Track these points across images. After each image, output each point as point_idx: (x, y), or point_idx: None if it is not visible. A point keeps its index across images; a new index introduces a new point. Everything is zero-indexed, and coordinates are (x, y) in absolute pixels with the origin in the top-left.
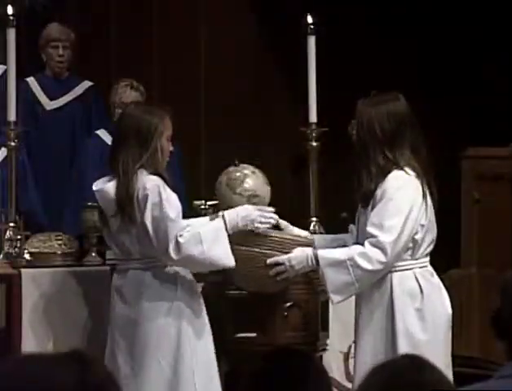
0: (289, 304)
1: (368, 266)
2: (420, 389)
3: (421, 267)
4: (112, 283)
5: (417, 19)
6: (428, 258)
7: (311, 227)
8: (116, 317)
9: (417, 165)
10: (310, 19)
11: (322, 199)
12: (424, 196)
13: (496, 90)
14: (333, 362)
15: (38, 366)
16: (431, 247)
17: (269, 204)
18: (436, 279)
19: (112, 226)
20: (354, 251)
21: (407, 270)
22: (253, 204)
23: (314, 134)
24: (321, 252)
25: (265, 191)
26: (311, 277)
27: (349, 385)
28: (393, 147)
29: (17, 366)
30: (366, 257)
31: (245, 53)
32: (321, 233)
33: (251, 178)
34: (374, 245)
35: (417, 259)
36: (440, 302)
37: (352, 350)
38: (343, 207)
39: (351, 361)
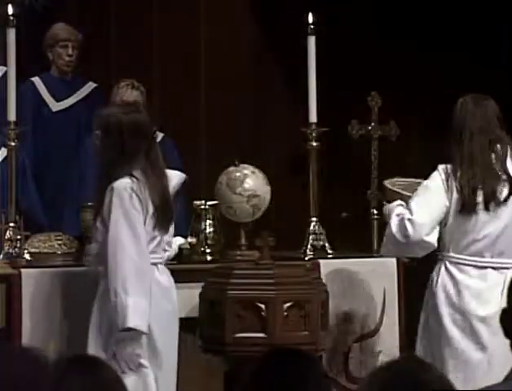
0: (289, 304)
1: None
2: (420, 389)
3: None
4: None
5: (417, 20)
6: None
7: (311, 227)
8: None
9: None
10: (310, 19)
11: (322, 198)
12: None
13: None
14: (333, 362)
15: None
16: None
17: (269, 204)
18: None
19: None
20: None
21: None
22: (253, 203)
23: (314, 134)
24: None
25: (265, 190)
26: (311, 277)
27: (350, 386)
28: None
29: (31, 369)
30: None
31: (245, 53)
32: (321, 233)
33: (251, 178)
34: None
35: None
36: None
37: (353, 350)
38: (343, 207)
39: (352, 361)
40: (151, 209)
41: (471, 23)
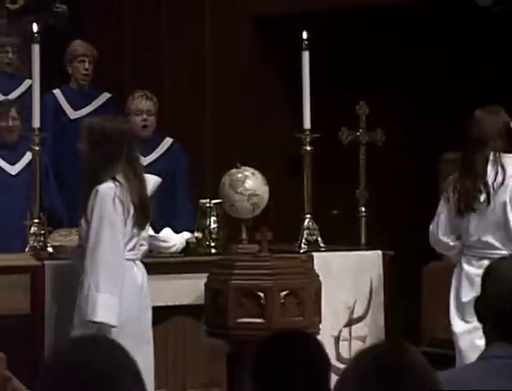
0: (285, 292)
1: None
2: (398, 370)
3: None
4: None
5: (403, 39)
6: None
7: (305, 223)
8: None
9: None
10: (304, 36)
11: (315, 197)
12: None
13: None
14: (326, 344)
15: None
16: None
17: (267, 202)
18: None
19: None
20: None
21: None
22: (253, 202)
23: (307, 140)
24: None
25: (263, 190)
26: (306, 267)
27: (340, 366)
28: None
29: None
30: None
31: (248, 67)
32: (314, 229)
33: (251, 179)
34: None
35: None
36: None
37: (342, 334)
38: (334, 205)
39: (342, 344)
40: (131, 211)
41: (454, 36)
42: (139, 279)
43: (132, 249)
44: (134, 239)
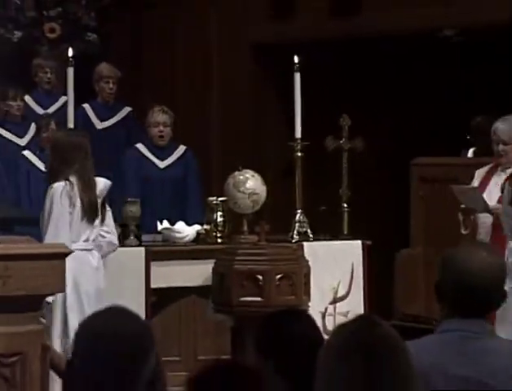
0: (280, 275)
1: None
2: (374, 341)
3: None
4: None
5: (379, 65)
6: None
7: (297, 217)
8: None
9: None
10: (296, 60)
11: (305, 195)
12: None
13: (440, 118)
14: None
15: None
16: None
17: (265, 200)
18: None
19: None
20: None
21: None
22: (253, 199)
23: (299, 147)
24: None
25: (262, 189)
26: (297, 255)
27: (326, 337)
28: None
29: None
30: None
31: (248, 86)
32: (304, 222)
33: (251, 180)
34: None
35: None
36: None
37: (328, 310)
38: (321, 202)
39: (328, 318)
40: (78, 205)
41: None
42: (93, 265)
43: (86, 240)
44: (87, 232)
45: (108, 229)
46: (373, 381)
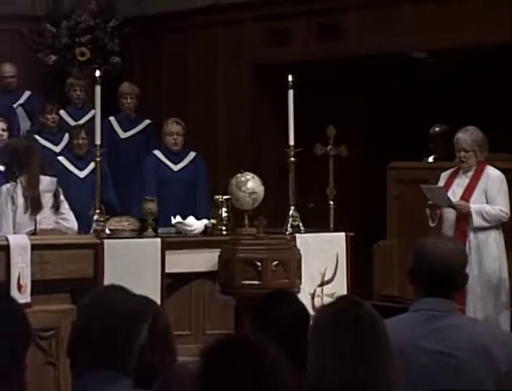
0: (276, 262)
1: None
2: (360, 316)
3: None
4: None
5: (360, 81)
6: None
7: (290, 212)
8: None
9: None
10: (290, 78)
11: (297, 194)
12: None
13: (410, 129)
14: (304, 300)
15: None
16: None
17: (263, 198)
18: None
19: None
20: None
21: None
22: (253, 197)
23: (292, 153)
24: None
25: (261, 189)
26: (290, 244)
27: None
28: None
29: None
30: None
31: (248, 101)
32: (296, 217)
33: (251, 181)
34: None
35: None
36: None
37: (316, 292)
38: (311, 199)
39: (316, 299)
40: (21, 202)
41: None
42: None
43: (30, 231)
44: (31, 224)
45: (63, 216)
46: (361, 346)
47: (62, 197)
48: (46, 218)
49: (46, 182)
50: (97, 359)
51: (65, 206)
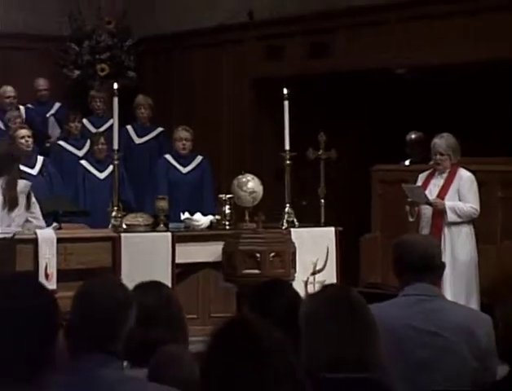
0: (273, 254)
1: None
2: (353, 297)
3: None
4: None
5: (348, 94)
6: None
7: (286, 209)
8: None
9: None
10: (285, 91)
11: (292, 193)
12: None
13: (390, 136)
14: (298, 287)
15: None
16: None
17: (262, 196)
18: None
19: None
20: None
21: None
22: (253, 196)
23: (288, 156)
24: None
25: (260, 189)
26: (286, 238)
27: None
28: None
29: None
30: None
31: (249, 110)
32: (291, 213)
33: (252, 182)
34: None
35: None
36: None
37: (310, 279)
38: (304, 198)
39: (309, 286)
40: (0, 200)
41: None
42: None
43: (8, 226)
44: (9, 220)
45: (34, 215)
46: (350, 327)
47: (33, 199)
48: (19, 216)
49: (22, 184)
50: (90, 343)
51: (36, 207)
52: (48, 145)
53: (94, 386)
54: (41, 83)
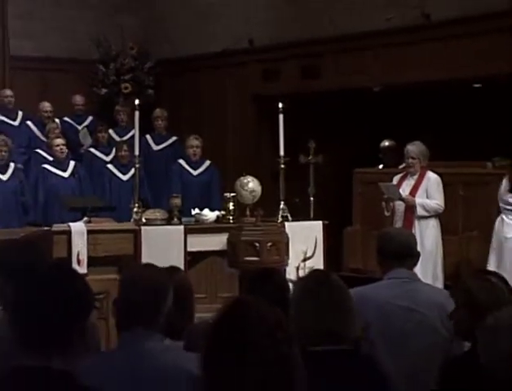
0: (270, 243)
1: None
2: (331, 279)
3: None
4: None
5: (333, 109)
6: None
7: (281, 206)
8: None
9: None
10: (280, 105)
11: (286, 192)
12: None
13: (368, 144)
14: (291, 272)
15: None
16: None
17: (261, 195)
18: None
19: None
20: None
21: None
22: (253, 195)
23: (282, 161)
24: None
25: (259, 189)
26: (281, 230)
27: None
28: None
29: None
30: None
31: (250, 122)
32: (285, 209)
33: (252, 182)
34: None
35: None
36: None
37: (301, 265)
38: (297, 196)
39: (300, 271)
40: None
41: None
42: None
43: None
44: None
45: None
46: (334, 300)
47: None
48: None
49: None
50: (136, 321)
51: None
52: (82, 152)
53: (141, 356)
54: (78, 99)
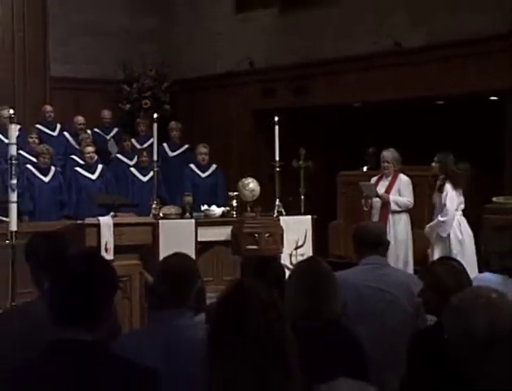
0: (267, 234)
1: None
2: (321, 266)
3: None
4: None
5: (320, 122)
6: None
7: (276, 203)
8: None
9: None
10: (276, 118)
11: (281, 192)
12: None
13: (353, 150)
14: (285, 258)
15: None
16: None
17: (259, 194)
18: None
19: None
20: None
21: None
22: (253, 194)
23: (277, 165)
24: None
25: (258, 189)
26: (276, 223)
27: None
28: None
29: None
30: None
31: (250, 133)
32: (280, 206)
33: (252, 183)
34: None
35: None
36: None
37: (293, 252)
38: (290, 195)
39: (293, 258)
40: None
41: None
42: None
43: None
44: None
45: None
46: (323, 282)
47: None
48: None
49: None
50: (170, 301)
51: None
52: (111, 159)
53: (174, 331)
54: (106, 114)
